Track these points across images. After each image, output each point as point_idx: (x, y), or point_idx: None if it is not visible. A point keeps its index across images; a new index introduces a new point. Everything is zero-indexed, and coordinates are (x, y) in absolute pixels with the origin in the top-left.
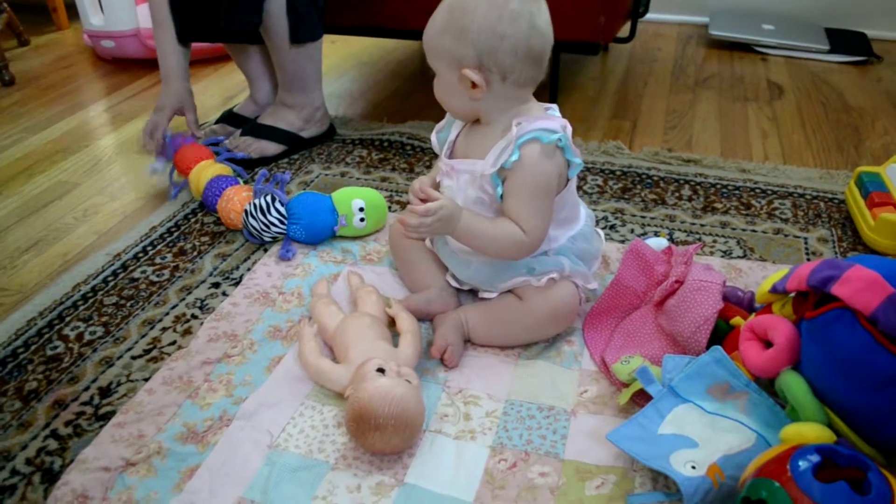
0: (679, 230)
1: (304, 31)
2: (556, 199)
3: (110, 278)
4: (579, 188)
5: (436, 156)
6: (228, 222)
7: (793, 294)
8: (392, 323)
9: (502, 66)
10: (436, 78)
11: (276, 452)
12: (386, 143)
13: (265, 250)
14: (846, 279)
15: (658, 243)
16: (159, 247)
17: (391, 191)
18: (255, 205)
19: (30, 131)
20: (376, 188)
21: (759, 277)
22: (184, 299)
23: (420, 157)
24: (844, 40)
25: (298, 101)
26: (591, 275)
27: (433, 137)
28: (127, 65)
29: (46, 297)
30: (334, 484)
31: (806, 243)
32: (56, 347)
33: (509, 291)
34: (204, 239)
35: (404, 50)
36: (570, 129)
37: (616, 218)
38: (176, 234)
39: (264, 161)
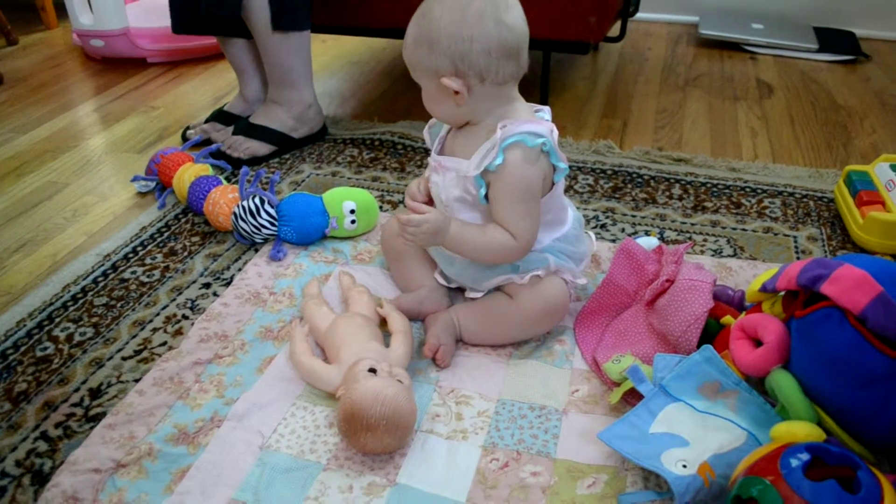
0: (670, 229)
1: (287, 18)
2: (542, 201)
3: (100, 279)
4: (570, 188)
5: (427, 154)
6: (217, 225)
7: (782, 293)
8: (383, 323)
9: (478, 68)
10: (423, 90)
11: (268, 453)
12: (377, 143)
13: (256, 251)
14: (835, 278)
15: (649, 242)
16: (149, 247)
17: (382, 190)
18: (243, 207)
19: (18, 131)
20: (367, 188)
21: (750, 276)
22: (174, 300)
23: (411, 156)
24: (833, 39)
25: (288, 98)
26: (580, 271)
27: (426, 132)
28: (116, 64)
29: (36, 298)
30: (326, 484)
31: (796, 242)
32: (46, 349)
33: (499, 290)
34: (194, 239)
35: (394, 50)
36: (556, 133)
37: (607, 217)
38: (166, 234)
39: (255, 161)
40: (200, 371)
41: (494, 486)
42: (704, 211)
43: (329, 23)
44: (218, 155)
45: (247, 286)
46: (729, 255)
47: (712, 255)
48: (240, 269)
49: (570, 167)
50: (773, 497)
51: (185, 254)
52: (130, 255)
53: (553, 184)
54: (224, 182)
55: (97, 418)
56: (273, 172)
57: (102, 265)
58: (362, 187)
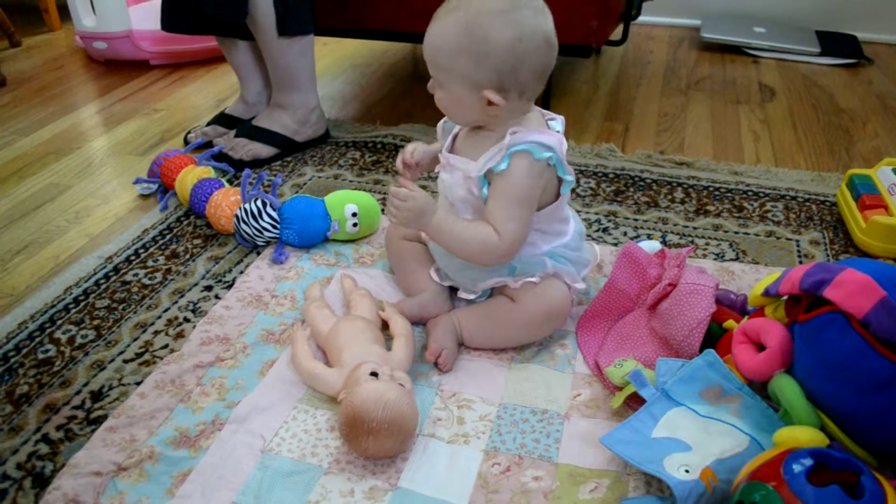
0: (672, 233)
1: (292, 23)
2: (546, 212)
3: (102, 281)
4: (572, 191)
5: None
6: (219, 228)
7: (785, 297)
8: (385, 326)
9: (521, 85)
10: (440, 90)
11: (269, 457)
12: (379, 146)
13: (258, 253)
14: (838, 283)
15: (651, 246)
16: (151, 249)
17: (384, 193)
18: (245, 210)
19: (21, 133)
20: (369, 191)
21: (752, 280)
22: (176, 302)
23: None
24: (835, 43)
25: (292, 101)
26: (580, 276)
27: (439, 128)
28: (119, 66)
29: (38, 301)
30: (327, 488)
31: (798, 246)
32: (47, 351)
33: (500, 293)
34: (196, 242)
35: (397, 52)
36: (565, 144)
37: (609, 221)
38: (168, 236)
39: (257, 163)
40: (202, 374)
41: (496, 490)
42: (707, 215)
43: (331, 25)
44: (220, 157)
45: (248, 289)
46: (731, 259)
47: (714, 259)
48: (242, 272)
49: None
50: (776, 503)
51: (187, 256)
52: (132, 258)
53: (559, 196)
54: (226, 185)
55: (98, 421)
56: (275, 175)
57: (104, 267)
58: (364, 190)
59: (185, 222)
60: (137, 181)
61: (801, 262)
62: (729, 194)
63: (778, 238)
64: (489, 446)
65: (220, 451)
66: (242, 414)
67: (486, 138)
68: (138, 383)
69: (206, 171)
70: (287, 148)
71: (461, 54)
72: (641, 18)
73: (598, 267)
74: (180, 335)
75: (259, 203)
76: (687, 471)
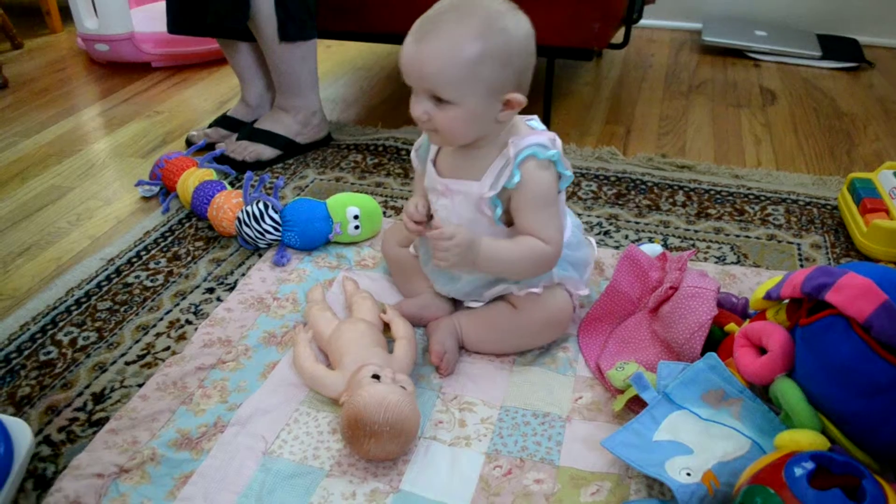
0: (673, 236)
1: (293, 28)
2: None
3: (104, 283)
4: (573, 194)
5: None
6: (221, 230)
7: (787, 301)
8: (387, 329)
9: (527, 83)
10: (447, 111)
11: (271, 459)
12: (381, 149)
13: (260, 256)
14: (840, 286)
15: (652, 249)
16: (153, 251)
17: (386, 196)
18: (247, 212)
19: (23, 135)
20: (371, 193)
21: (753, 284)
22: (178, 304)
23: None
24: (836, 46)
25: (294, 105)
26: (583, 281)
27: (413, 156)
28: (121, 68)
29: (40, 302)
30: (329, 491)
31: (799, 249)
32: (49, 353)
33: (502, 299)
34: (198, 244)
35: (398, 55)
36: (559, 141)
37: (610, 224)
38: (170, 238)
39: (259, 165)
40: (204, 376)
41: (497, 493)
42: (708, 218)
43: (333, 28)
44: (222, 160)
45: (250, 291)
46: (732, 263)
47: (716, 263)
48: (243, 275)
49: (574, 173)
50: None
51: (189, 258)
52: (134, 260)
53: (557, 192)
54: (228, 187)
55: (100, 423)
56: (277, 178)
57: (106, 269)
58: (366, 193)
59: (187, 224)
60: (139, 183)
61: (802, 266)
62: (730, 198)
63: (779, 241)
64: (491, 449)
65: (222, 454)
66: (244, 416)
67: (479, 155)
68: (140, 385)
69: (208, 174)
70: (289, 150)
71: (484, 61)
72: (643, 22)
73: (599, 270)
74: (182, 337)
75: (261, 205)
76: (688, 474)
